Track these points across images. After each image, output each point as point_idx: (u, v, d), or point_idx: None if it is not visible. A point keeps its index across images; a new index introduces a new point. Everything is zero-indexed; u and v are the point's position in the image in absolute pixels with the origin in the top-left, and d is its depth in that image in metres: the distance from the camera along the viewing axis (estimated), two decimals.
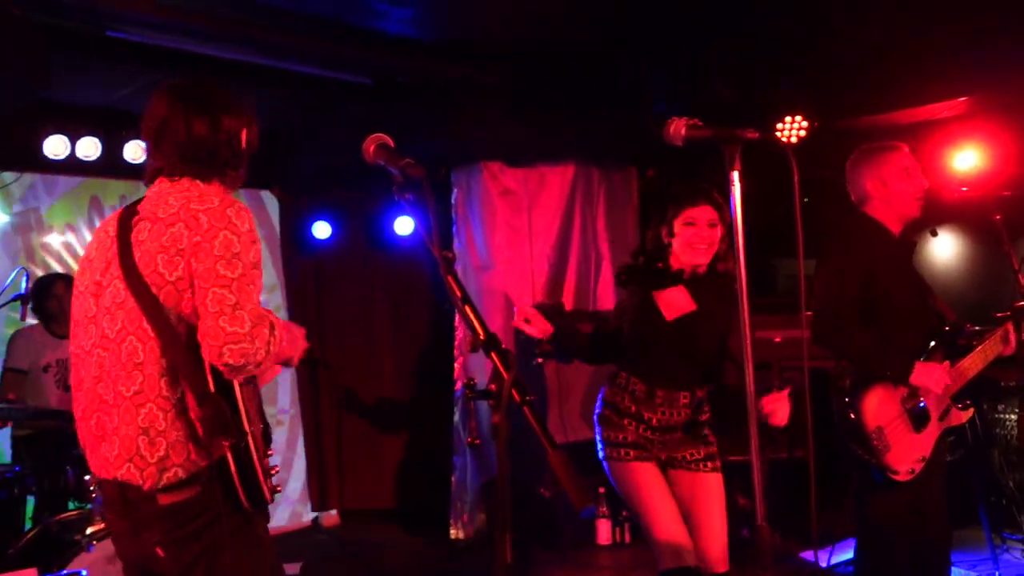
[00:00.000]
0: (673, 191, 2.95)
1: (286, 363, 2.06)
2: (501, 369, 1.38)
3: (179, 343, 1.84)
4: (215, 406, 1.81)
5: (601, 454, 2.93)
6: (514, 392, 1.36)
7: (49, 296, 4.38)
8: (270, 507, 2.03)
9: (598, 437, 2.95)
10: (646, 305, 2.88)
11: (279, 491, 2.02)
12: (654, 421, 2.85)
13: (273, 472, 1.99)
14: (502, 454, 1.31)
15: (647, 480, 2.81)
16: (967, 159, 4.95)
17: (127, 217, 1.97)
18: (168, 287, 1.85)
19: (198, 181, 2.00)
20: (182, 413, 1.85)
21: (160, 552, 1.86)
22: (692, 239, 2.84)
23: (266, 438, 2.04)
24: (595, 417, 2.97)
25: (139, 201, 2.02)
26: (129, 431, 1.86)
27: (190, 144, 1.99)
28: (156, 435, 1.84)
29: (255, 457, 1.87)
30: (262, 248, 1.96)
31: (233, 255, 1.82)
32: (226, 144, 2.03)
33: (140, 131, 2.08)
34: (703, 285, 2.89)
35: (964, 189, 5.28)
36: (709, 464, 2.86)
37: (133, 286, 1.86)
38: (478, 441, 5.42)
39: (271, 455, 2.03)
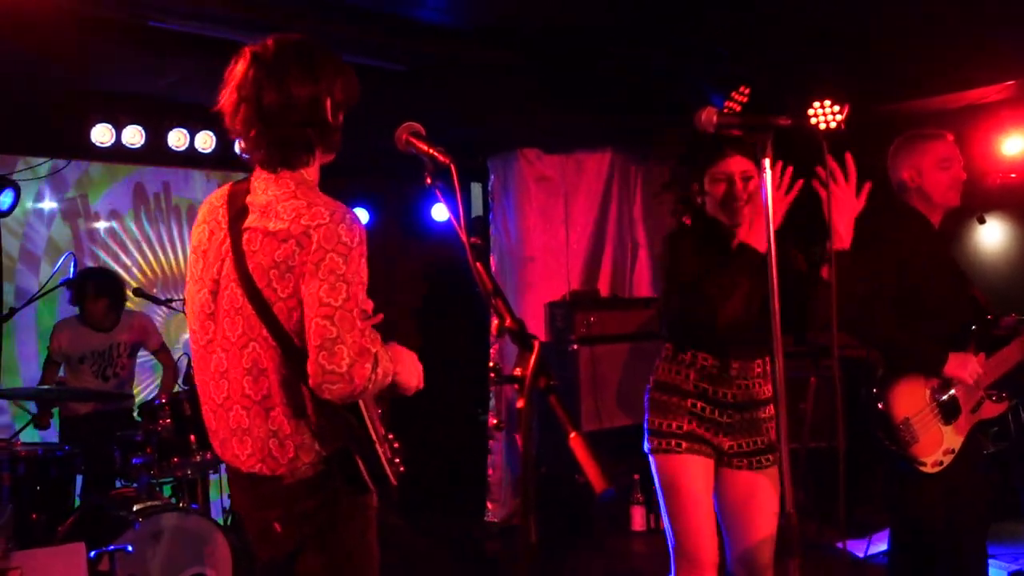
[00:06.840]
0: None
1: (403, 392, 2.02)
2: (526, 354, 1.39)
3: (300, 354, 1.82)
4: (339, 418, 1.84)
5: (647, 446, 2.69)
6: (539, 378, 1.37)
7: (83, 296, 4.49)
8: None
9: (645, 425, 2.72)
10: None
11: (403, 471, 2.00)
12: (729, 397, 2.63)
13: (395, 452, 1.99)
14: (525, 437, 1.32)
15: (692, 482, 2.59)
16: (1015, 144, 4.83)
17: (237, 212, 1.90)
18: (280, 303, 1.83)
19: (295, 171, 1.91)
20: (305, 416, 1.87)
21: (277, 527, 1.91)
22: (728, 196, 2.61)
23: (384, 420, 2.04)
24: (645, 401, 2.74)
25: (245, 189, 1.93)
26: (260, 433, 1.89)
27: (265, 120, 1.86)
28: (284, 438, 1.88)
29: (379, 450, 1.90)
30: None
31: (338, 278, 1.78)
32: (305, 120, 1.87)
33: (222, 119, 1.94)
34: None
35: (1013, 176, 5.15)
36: (771, 457, 2.63)
37: (251, 296, 1.85)
38: (503, 425, 5.44)
39: (390, 438, 2.02)
